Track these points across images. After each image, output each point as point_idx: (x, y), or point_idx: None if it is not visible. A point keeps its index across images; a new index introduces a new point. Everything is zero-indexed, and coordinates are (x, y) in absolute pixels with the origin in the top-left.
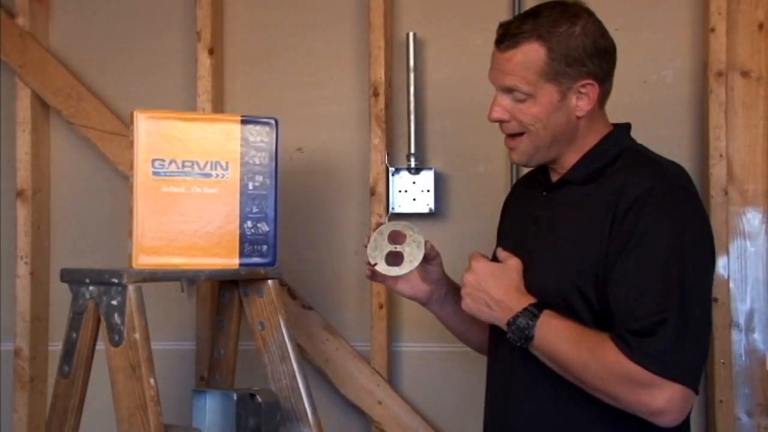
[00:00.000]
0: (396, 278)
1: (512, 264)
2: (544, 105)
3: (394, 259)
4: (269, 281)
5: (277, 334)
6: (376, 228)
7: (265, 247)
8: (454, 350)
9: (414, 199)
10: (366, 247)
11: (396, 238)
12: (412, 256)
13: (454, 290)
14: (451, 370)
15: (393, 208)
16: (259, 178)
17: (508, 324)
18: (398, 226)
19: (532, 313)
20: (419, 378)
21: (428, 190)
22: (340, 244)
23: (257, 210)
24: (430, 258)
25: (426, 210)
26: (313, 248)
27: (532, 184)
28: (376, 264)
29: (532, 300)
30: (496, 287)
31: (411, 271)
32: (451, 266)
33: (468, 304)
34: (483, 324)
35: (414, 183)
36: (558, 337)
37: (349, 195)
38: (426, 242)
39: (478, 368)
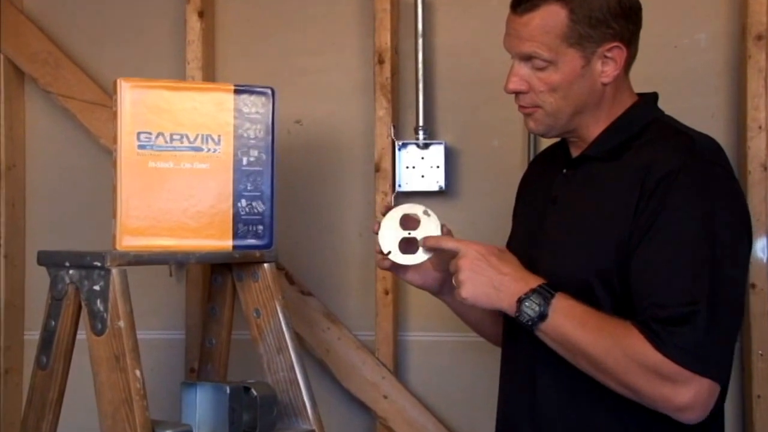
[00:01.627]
0: (406, 267)
1: (505, 250)
2: (566, 72)
3: (407, 246)
4: (265, 265)
5: (274, 322)
6: (386, 212)
7: (260, 228)
8: (465, 340)
9: (422, 176)
10: (377, 233)
11: (408, 222)
12: None
13: None
14: (463, 362)
15: (399, 186)
16: (254, 152)
17: (519, 301)
18: (411, 209)
19: (546, 291)
20: (428, 370)
21: (438, 167)
22: (342, 225)
23: (252, 187)
24: None
25: (435, 188)
26: (313, 229)
27: (551, 161)
28: (389, 253)
29: (542, 280)
30: (501, 263)
31: (426, 260)
32: None
33: (467, 290)
34: (498, 312)
35: (422, 159)
36: (574, 321)
37: (351, 171)
38: (443, 226)
39: (492, 359)
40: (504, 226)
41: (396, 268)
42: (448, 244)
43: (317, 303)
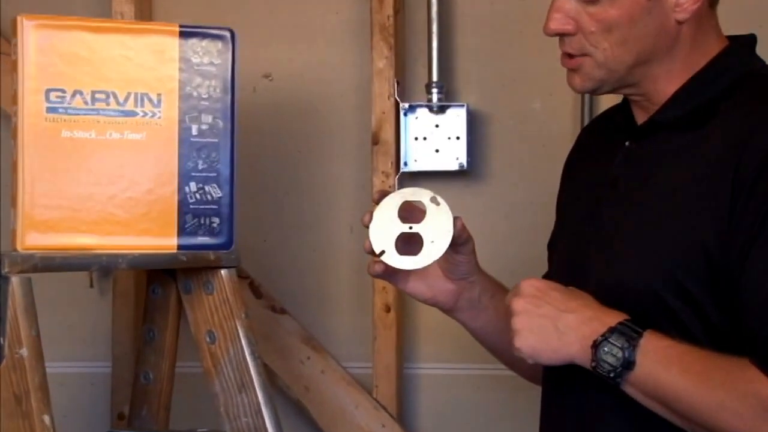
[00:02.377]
0: (408, 274)
1: (573, 289)
2: (626, 6)
3: (407, 244)
4: (222, 271)
5: (234, 350)
6: (380, 198)
7: (215, 221)
8: (491, 373)
9: (437, 151)
10: (367, 227)
11: (410, 213)
12: (435, 240)
13: (491, 289)
14: (488, 403)
15: (405, 164)
16: (208, 118)
17: (594, 346)
18: (414, 195)
19: (630, 329)
20: (442, 414)
21: (458, 137)
22: (327, 218)
23: (205, 166)
24: (458, 243)
25: (455, 167)
26: (288, 223)
27: (609, 130)
28: (382, 253)
29: (621, 315)
30: (566, 299)
31: (431, 264)
32: (489, 253)
33: (525, 340)
34: None
35: (437, 127)
36: (672, 366)
37: (340, 144)
38: (456, 219)
39: (526, 400)
40: (546, 221)
41: (392, 274)
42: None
43: (293, 324)
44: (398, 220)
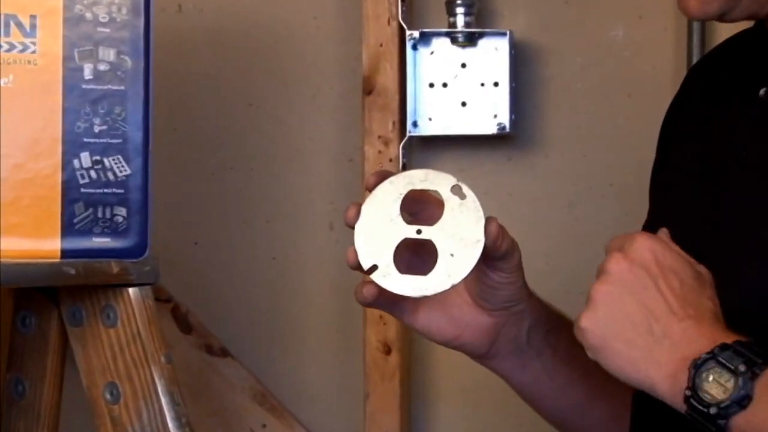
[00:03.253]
0: (417, 302)
1: (705, 273)
2: None
3: (414, 255)
4: (131, 291)
5: (150, 413)
6: (377, 182)
7: (121, 214)
8: None
9: (464, 105)
10: (352, 227)
11: (419, 207)
12: (456, 252)
13: (548, 322)
14: None
15: (415, 126)
16: (109, 54)
17: (695, 366)
18: (426, 180)
19: (749, 352)
20: None
21: (496, 84)
22: (293, 209)
23: (104, 128)
24: (495, 257)
25: (491, 129)
26: (234, 217)
27: (733, 73)
28: (373, 269)
29: (736, 336)
30: (689, 294)
31: (451, 289)
32: (542, 263)
33: (596, 322)
34: (616, 386)
35: (464, 67)
36: None
37: (314, 94)
38: (489, 221)
39: None
40: (636, 210)
41: (391, 302)
42: None
43: (241, 372)
44: (400, 219)
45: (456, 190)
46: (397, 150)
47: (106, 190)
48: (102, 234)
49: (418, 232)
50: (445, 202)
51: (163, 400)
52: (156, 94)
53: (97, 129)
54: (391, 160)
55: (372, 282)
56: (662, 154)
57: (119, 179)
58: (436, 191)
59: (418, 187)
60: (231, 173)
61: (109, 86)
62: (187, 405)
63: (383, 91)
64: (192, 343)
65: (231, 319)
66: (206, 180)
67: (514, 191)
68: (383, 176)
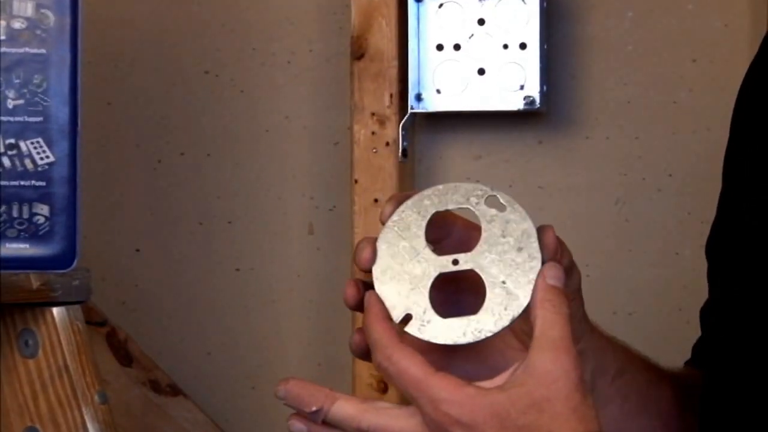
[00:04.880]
0: (447, 354)
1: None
2: None
3: (444, 291)
4: (55, 312)
5: None
6: (393, 209)
7: (42, 213)
8: None
9: (481, 73)
10: (368, 270)
11: (440, 231)
12: (509, 278)
13: (616, 361)
14: None
15: (419, 99)
16: (25, 7)
17: None
18: (452, 197)
19: None
20: None
21: (522, 46)
22: (261, 207)
23: (21, 102)
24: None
25: (517, 105)
26: (186, 217)
27: None
28: (408, 318)
29: None
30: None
31: (513, 322)
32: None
33: None
34: None
35: (481, 24)
36: None
37: (288, 59)
38: (544, 230)
39: None
40: (703, 207)
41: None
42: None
43: (194, 414)
44: (429, 251)
45: (492, 202)
46: (395, 131)
47: (22, 183)
48: (18, 239)
49: (455, 262)
50: (481, 219)
51: None
52: (85, 59)
53: (10, 104)
54: (387, 144)
55: (405, 333)
56: (739, 134)
57: (40, 169)
58: (466, 208)
59: (449, 207)
60: (182, 161)
61: (26, 49)
62: None
63: (378, 55)
64: (133, 378)
65: (182, 348)
66: (150, 169)
67: (546, 183)
68: (401, 201)
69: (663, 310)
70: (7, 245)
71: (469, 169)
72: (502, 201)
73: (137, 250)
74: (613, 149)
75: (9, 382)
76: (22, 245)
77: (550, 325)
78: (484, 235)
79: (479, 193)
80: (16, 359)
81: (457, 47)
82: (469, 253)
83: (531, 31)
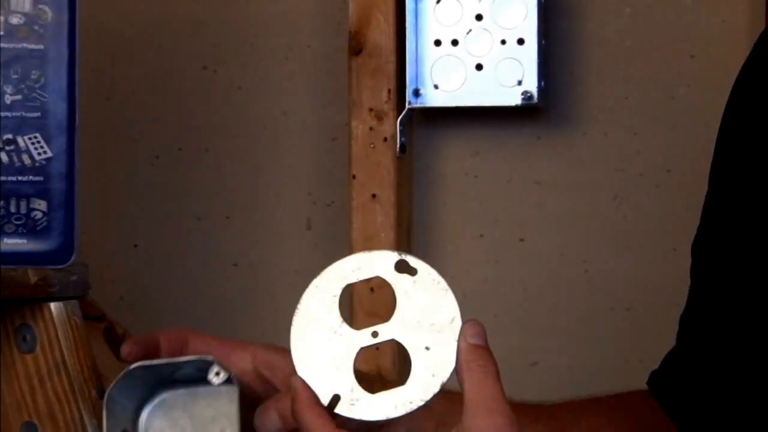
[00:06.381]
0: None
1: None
2: None
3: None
4: (53, 307)
5: None
6: (138, 352)
7: (40, 209)
8: None
9: (479, 68)
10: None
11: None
12: (431, 340)
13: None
14: None
15: (417, 94)
16: (23, 3)
17: None
18: (358, 265)
19: None
20: None
21: (520, 42)
22: (259, 202)
23: (18, 97)
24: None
25: (514, 100)
26: (184, 213)
27: None
28: (336, 400)
29: None
30: None
31: (443, 388)
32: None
33: None
34: None
35: (479, 19)
36: None
37: (282, 53)
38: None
39: None
40: (701, 203)
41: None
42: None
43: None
44: (346, 327)
45: (402, 267)
46: (393, 126)
47: (20, 178)
48: (15, 234)
49: (374, 334)
50: (394, 287)
51: None
52: (83, 54)
53: (8, 99)
54: (385, 140)
55: (337, 416)
56: (726, 138)
57: (37, 164)
58: (377, 277)
59: (354, 279)
60: (180, 156)
61: (24, 44)
62: None
63: (376, 51)
64: None
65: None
66: (148, 165)
67: (543, 179)
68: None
69: (661, 305)
70: (5, 240)
71: (467, 165)
72: (412, 264)
73: (135, 246)
74: (611, 145)
75: (7, 377)
76: (19, 240)
77: (480, 387)
78: (399, 303)
79: (389, 260)
80: (14, 355)
81: (454, 43)
82: (387, 324)
83: (529, 26)
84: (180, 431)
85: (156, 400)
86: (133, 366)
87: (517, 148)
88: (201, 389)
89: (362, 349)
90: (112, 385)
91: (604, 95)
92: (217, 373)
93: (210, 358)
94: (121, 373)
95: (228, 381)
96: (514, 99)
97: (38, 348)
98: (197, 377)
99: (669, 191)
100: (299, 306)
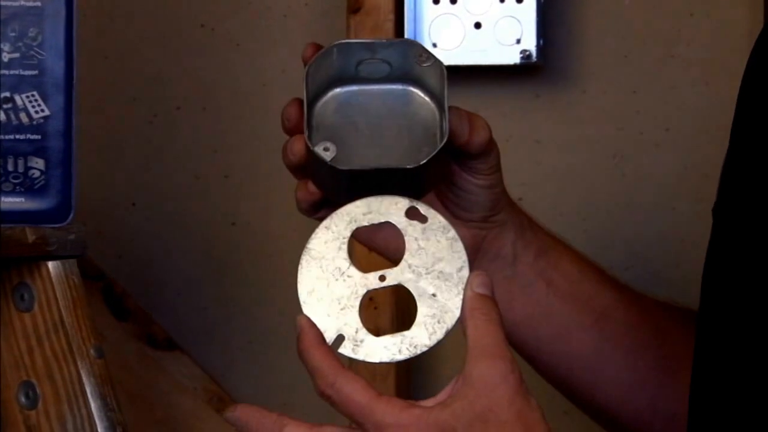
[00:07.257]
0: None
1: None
2: None
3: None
4: (51, 266)
5: (75, 422)
6: (312, 53)
7: (37, 167)
8: None
9: (477, 26)
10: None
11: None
12: (438, 287)
13: (537, 240)
14: None
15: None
16: None
17: None
18: (369, 209)
19: None
20: None
21: (519, 0)
22: (261, 158)
23: (16, 55)
24: (469, 150)
25: (513, 59)
26: (182, 170)
27: None
28: (340, 340)
29: None
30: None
31: (448, 335)
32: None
33: None
34: (637, 341)
35: None
36: None
37: (279, 11)
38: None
39: None
40: (701, 162)
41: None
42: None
43: (192, 369)
44: (354, 269)
45: (413, 214)
46: None
47: (18, 136)
48: (13, 192)
49: (382, 278)
50: (404, 233)
51: (93, 405)
52: (81, 12)
53: (6, 57)
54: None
55: (339, 353)
56: (751, 91)
57: (35, 122)
58: (388, 222)
59: (364, 223)
60: (178, 115)
61: (21, 2)
62: (123, 410)
63: (374, 9)
64: (130, 333)
65: (179, 303)
66: (146, 123)
67: (543, 137)
68: (317, 49)
69: (659, 264)
70: (3, 199)
71: None
72: (422, 212)
73: (133, 204)
74: (610, 103)
75: (5, 336)
76: (17, 199)
77: (482, 334)
78: (408, 249)
79: (400, 206)
80: (12, 313)
81: (453, 1)
82: (395, 268)
83: None
84: (352, 124)
85: (328, 95)
86: (336, 42)
87: (516, 107)
88: (375, 87)
89: (369, 291)
90: (312, 61)
91: (603, 53)
92: (421, 56)
93: (414, 41)
94: (322, 50)
95: (434, 62)
96: (512, 58)
97: (36, 307)
98: (380, 71)
99: (668, 150)
100: (308, 246)
